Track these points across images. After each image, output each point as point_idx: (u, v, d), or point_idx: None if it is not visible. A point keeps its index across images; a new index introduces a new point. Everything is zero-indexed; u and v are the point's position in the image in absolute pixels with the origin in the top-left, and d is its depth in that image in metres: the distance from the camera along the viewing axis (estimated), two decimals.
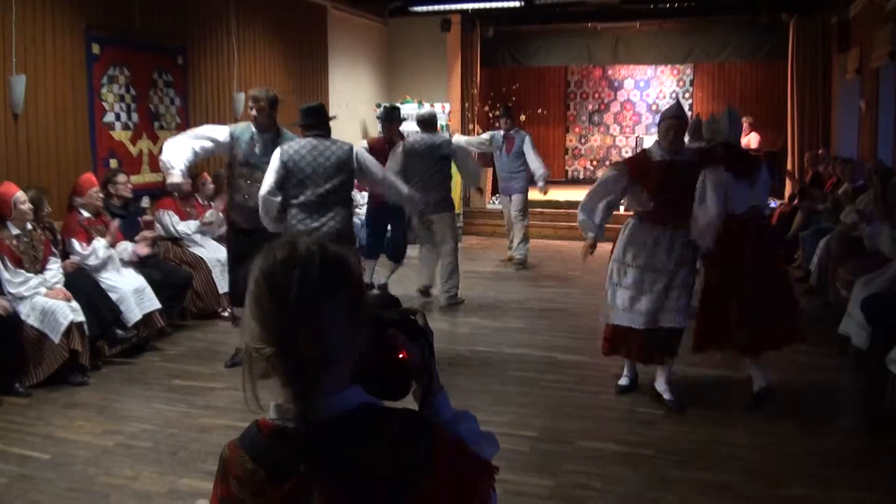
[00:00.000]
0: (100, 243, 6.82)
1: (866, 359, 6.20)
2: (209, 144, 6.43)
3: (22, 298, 6.07)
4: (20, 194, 6.21)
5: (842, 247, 8.36)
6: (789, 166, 13.74)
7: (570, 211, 14.04)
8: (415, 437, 1.42)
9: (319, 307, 1.38)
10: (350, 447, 1.37)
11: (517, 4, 12.81)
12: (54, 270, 6.39)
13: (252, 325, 1.40)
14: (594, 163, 18.87)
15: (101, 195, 7.08)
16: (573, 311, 8.42)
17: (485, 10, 13.76)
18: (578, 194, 15.07)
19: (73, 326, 6.09)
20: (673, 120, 5.57)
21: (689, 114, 16.92)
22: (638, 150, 6.37)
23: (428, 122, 8.76)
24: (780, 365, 6.31)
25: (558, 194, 15.53)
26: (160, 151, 7.89)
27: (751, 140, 14.55)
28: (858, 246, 7.72)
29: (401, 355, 1.56)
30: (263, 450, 1.41)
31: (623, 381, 5.94)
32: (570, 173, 19.09)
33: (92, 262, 6.75)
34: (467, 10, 13.88)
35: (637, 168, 5.63)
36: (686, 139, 8.53)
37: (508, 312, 8.49)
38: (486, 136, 11.24)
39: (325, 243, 1.47)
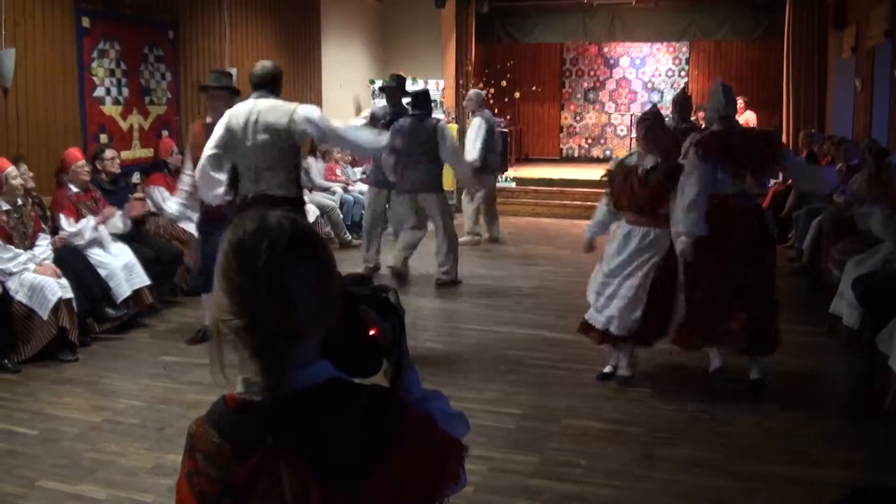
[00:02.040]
0: (88, 223, 6.79)
1: (857, 338, 6.22)
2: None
3: (11, 274, 6.05)
4: (11, 169, 6.18)
5: (834, 227, 8.36)
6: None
7: (565, 189, 14.05)
8: (382, 413, 1.42)
9: (288, 279, 1.37)
10: (317, 421, 1.37)
11: None
12: (44, 247, 6.37)
13: (220, 297, 1.40)
14: (589, 141, 18.83)
15: (87, 169, 7.01)
16: (561, 290, 8.41)
17: None
18: (572, 172, 15.17)
19: (62, 303, 6.07)
20: (641, 122, 5.61)
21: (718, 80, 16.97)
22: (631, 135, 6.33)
23: (421, 101, 8.56)
24: None
25: (552, 172, 15.55)
26: (151, 127, 7.92)
27: (747, 119, 14.51)
28: (850, 226, 7.73)
29: (371, 332, 1.55)
30: (229, 424, 1.40)
31: (607, 369, 5.80)
32: (564, 151, 19.05)
33: (77, 241, 6.72)
34: None
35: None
36: (671, 117, 8.54)
37: (497, 291, 8.49)
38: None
39: (295, 217, 1.47)
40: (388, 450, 1.39)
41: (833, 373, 6.15)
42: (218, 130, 5.58)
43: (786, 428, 4.92)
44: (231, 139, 5.50)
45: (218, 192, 5.70)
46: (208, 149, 5.59)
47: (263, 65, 5.70)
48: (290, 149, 5.52)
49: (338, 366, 1.48)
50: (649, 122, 5.52)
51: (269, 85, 5.59)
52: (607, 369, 5.79)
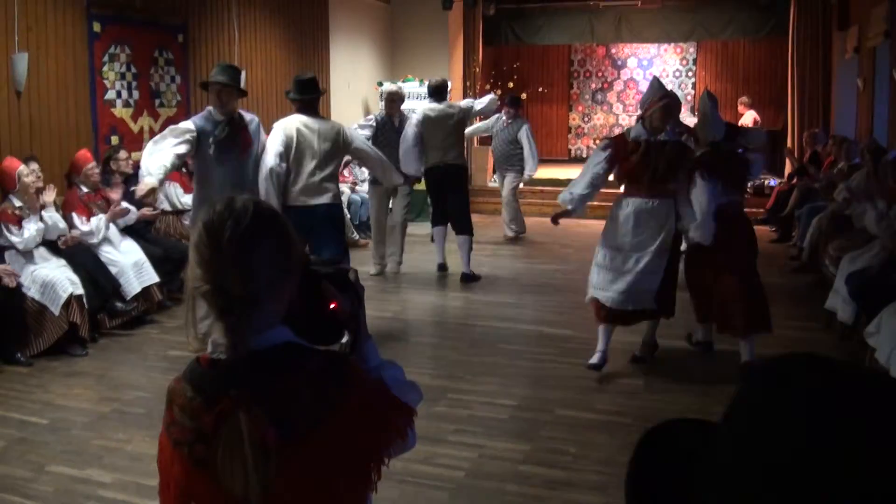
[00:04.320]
0: (101, 221, 6.98)
1: (851, 333, 6.34)
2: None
3: (29, 254, 6.33)
4: (23, 168, 6.41)
5: (832, 224, 8.49)
6: (789, 145, 13.80)
7: None
8: (332, 373, 1.62)
9: (249, 251, 1.58)
10: (273, 376, 1.58)
11: None
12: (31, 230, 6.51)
13: (193, 267, 1.61)
14: (597, 141, 18.87)
15: (97, 170, 7.22)
16: (561, 287, 8.56)
17: None
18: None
19: (73, 299, 6.29)
20: (668, 99, 5.78)
21: (690, 93, 17.07)
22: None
23: (441, 90, 9.16)
24: (767, 339, 6.46)
25: (560, 173, 15.60)
26: (161, 128, 8.07)
27: (746, 119, 14.60)
28: (849, 224, 7.85)
29: (332, 306, 1.77)
30: (200, 379, 1.62)
31: (594, 360, 5.83)
32: (573, 152, 19.14)
33: (90, 239, 6.91)
34: None
35: (620, 147, 5.80)
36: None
37: (500, 287, 8.65)
38: (490, 122, 11.62)
39: (258, 200, 1.70)
40: (335, 406, 1.58)
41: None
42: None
43: None
44: None
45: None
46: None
47: None
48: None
49: (302, 334, 1.70)
50: (671, 98, 5.86)
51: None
52: (595, 359, 5.81)
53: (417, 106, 12.53)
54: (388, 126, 8.97)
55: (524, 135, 11.20)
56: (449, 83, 10.25)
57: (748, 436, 0.78)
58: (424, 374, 5.87)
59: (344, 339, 1.84)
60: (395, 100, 9.19)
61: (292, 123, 6.48)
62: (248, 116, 6.39)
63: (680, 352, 6.28)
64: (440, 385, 5.63)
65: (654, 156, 5.66)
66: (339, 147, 6.60)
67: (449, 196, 8.98)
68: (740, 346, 5.82)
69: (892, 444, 0.70)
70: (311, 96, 6.60)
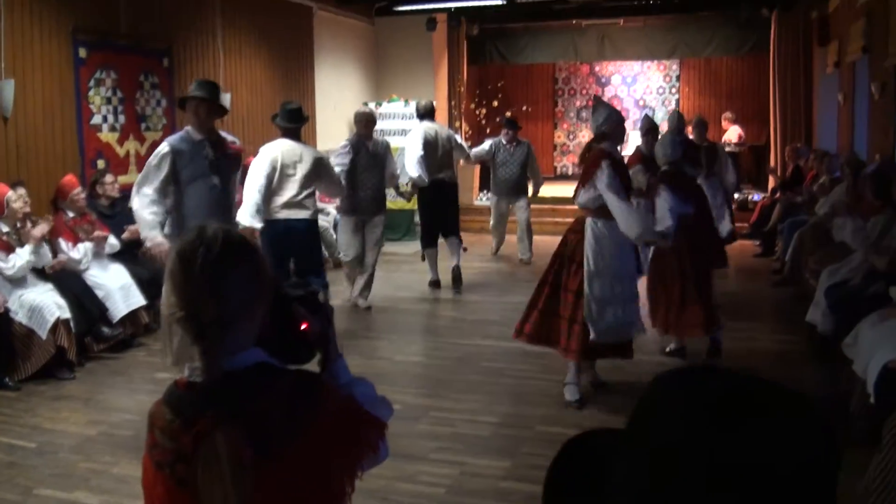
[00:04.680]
0: (88, 248, 7.04)
1: (831, 346, 6.42)
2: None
3: (16, 281, 6.37)
4: (11, 193, 6.47)
5: (813, 238, 8.60)
6: (773, 160, 13.94)
7: (557, 207, 14.23)
8: (304, 391, 1.71)
9: (221, 278, 1.66)
10: (247, 397, 1.65)
11: (500, 2, 12.97)
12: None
13: (168, 293, 1.69)
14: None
15: (83, 195, 7.27)
16: None
17: (469, 8, 13.93)
18: (566, 190, 15.20)
19: (60, 323, 6.34)
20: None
21: (674, 108, 17.21)
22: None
23: (431, 112, 9.73)
24: (748, 352, 6.59)
25: (545, 190, 15.67)
26: (147, 152, 8.15)
27: (730, 135, 14.75)
28: (829, 237, 7.95)
29: (302, 326, 1.87)
30: (178, 401, 1.70)
31: (576, 396, 5.73)
32: (558, 169, 19.24)
33: (80, 266, 6.97)
34: (451, 9, 14.04)
35: None
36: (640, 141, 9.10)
37: (485, 305, 8.74)
38: (486, 148, 11.26)
39: (228, 228, 1.78)
40: (308, 422, 1.66)
41: (805, 379, 6.32)
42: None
43: None
44: None
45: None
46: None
47: None
48: None
49: (275, 355, 1.78)
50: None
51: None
52: (576, 396, 5.72)
53: (404, 125, 12.71)
54: (364, 150, 8.47)
55: (528, 152, 11.16)
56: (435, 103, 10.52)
57: (639, 439, 0.87)
58: (408, 392, 5.94)
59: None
60: (370, 122, 8.66)
61: (276, 150, 7.18)
62: (229, 137, 6.20)
63: (657, 365, 6.34)
64: (423, 403, 5.70)
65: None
66: (317, 173, 7.29)
67: (447, 209, 9.70)
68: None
69: (759, 448, 0.79)
70: (296, 125, 7.37)
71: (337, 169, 7.87)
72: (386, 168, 8.60)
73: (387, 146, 8.77)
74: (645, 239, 5.62)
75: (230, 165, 5.82)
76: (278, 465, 1.62)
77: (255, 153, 10.01)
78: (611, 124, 5.60)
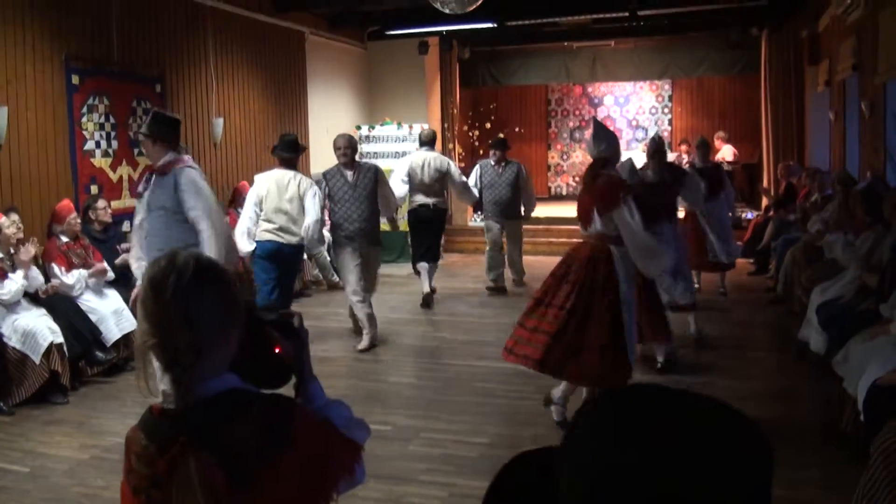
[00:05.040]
0: (81, 276, 7.06)
1: (823, 363, 6.43)
2: None
3: (9, 306, 6.39)
4: (4, 220, 6.50)
5: (805, 256, 8.63)
6: (765, 178, 14.00)
7: (551, 227, 14.28)
8: (277, 416, 1.72)
9: (192, 304, 1.68)
10: (219, 422, 1.66)
11: (491, 25, 13.06)
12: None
13: (141, 321, 1.71)
14: (576, 179, 19.13)
15: (78, 220, 7.33)
16: None
17: (460, 31, 14.00)
18: (560, 210, 15.44)
19: (54, 348, 6.34)
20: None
21: (667, 129, 17.32)
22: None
23: (429, 140, 10.07)
24: (740, 369, 6.60)
25: (539, 210, 15.70)
26: (140, 176, 8.19)
27: (724, 154, 14.83)
28: (821, 255, 7.99)
29: (276, 350, 1.88)
30: (153, 427, 1.71)
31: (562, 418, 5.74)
32: (552, 190, 19.36)
33: (73, 293, 6.98)
34: (443, 32, 14.13)
35: None
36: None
37: (478, 327, 8.75)
38: (473, 174, 10.92)
39: (200, 254, 1.80)
40: (281, 447, 1.68)
41: (796, 397, 6.35)
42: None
43: None
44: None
45: None
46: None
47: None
48: None
49: (250, 380, 1.80)
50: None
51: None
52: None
53: (397, 148, 12.79)
54: (340, 181, 8.03)
55: (520, 173, 10.67)
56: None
57: (574, 460, 0.89)
58: (399, 413, 5.95)
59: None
60: (346, 149, 8.02)
61: (269, 179, 7.74)
62: (177, 168, 5.71)
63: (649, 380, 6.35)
64: (414, 425, 5.71)
65: None
66: (302, 204, 7.65)
67: (429, 235, 9.97)
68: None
69: (692, 466, 0.81)
70: (293, 155, 7.81)
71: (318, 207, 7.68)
72: (379, 196, 8.12)
73: (374, 171, 8.16)
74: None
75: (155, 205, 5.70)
76: (252, 491, 1.63)
77: (247, 178, 10.13)
78: (612, 149, 5.60)
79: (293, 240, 7.61)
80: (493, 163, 10.71)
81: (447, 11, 8.33)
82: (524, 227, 11.39)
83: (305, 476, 1.71)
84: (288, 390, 1.93)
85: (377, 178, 8.13)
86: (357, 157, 8.36)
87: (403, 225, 11.00)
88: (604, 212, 5.41)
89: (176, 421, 1.67)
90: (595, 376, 5.30)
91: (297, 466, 1.69)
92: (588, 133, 18.81)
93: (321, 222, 7.77)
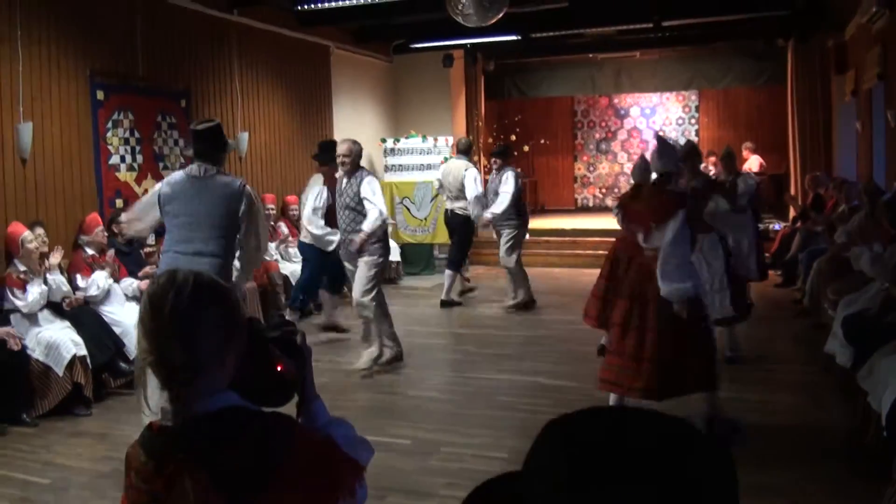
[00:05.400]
0: (99, 275, 7.14)
1: (849, 377, 6.34)
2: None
3: (33, 316, 6.48)
4: (27, 234, 6.60)
5: (832, 267, 8.52)
6: (793, 188, 13.89)
7: (577, 239, 14.24)
8: (276, 435, 1.70)
9: (191, 322, 1.68)
10: (217, 441, 1.65)
11: (516, 38, 13.07)
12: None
13: (140, 338, 1.71)
14: (603, 190, 19.10)
15: (105, 233, 7.43)
16: (563, 338, 8.60)
17: (485, 44, 14.05)
18: (586, 222, 15.41)
19: (77, 360, 6.40)
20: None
21: (694, 140, 17.22)
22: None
23: (463, 149, 10.77)
24: (765, 383, 6.52)
25: (566, 223, 15.75)
26: None
27: (751, 164, 14.73)
28: (848, 266, 7.88)
29: (278, 368, 1.87)
30: (151, 444, 1.70)
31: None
32: (579, 201, 19.33)
33: (93, 292, 7.06)
34: (467, 45, 14.17)
35: None
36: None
37: (501, 339, 8.72)
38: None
39: (200, 272, 1.79)
40: (280, 467, 1.66)
41: (821, 410, 6.26)
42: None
43: (765, 462, 5.04)
44: None
45: None
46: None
47: None
48: None
49: (251, 397, 1.78)
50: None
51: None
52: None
53: (423, 161, 12.86)
54: (339, 189, 7.63)
55: (506, 178, 10.23)
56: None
57: (533, 485, 0.88)
58: (419, 427, 5.95)
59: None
60: (350, 155, 7.43)
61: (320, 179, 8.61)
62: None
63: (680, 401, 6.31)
64: (434, 439, 5.70)
65: None
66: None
67: (454, 240, 10.80)
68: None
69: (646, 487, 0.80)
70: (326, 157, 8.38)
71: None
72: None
73: (358, 183, 7.37)
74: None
75: None
76: None
77: (273, 191, 10.23)
78: (674, 163, 5.66)
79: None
80: (495, 172, 10.53)
81: (468, 25, 8.34)
82: (547, 238, 11.43)
83: (305, 496, 1.69)
84: (291, 408, 1.92)
85: (360, 187, 7.36)
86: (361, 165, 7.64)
87: (426, 238, 11.13)
88: (659, 223, 5.39)
89: (173, 438, 1.66)
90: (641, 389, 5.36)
91: (297, 486, 1.67)
92: (615, 144, 18.87)
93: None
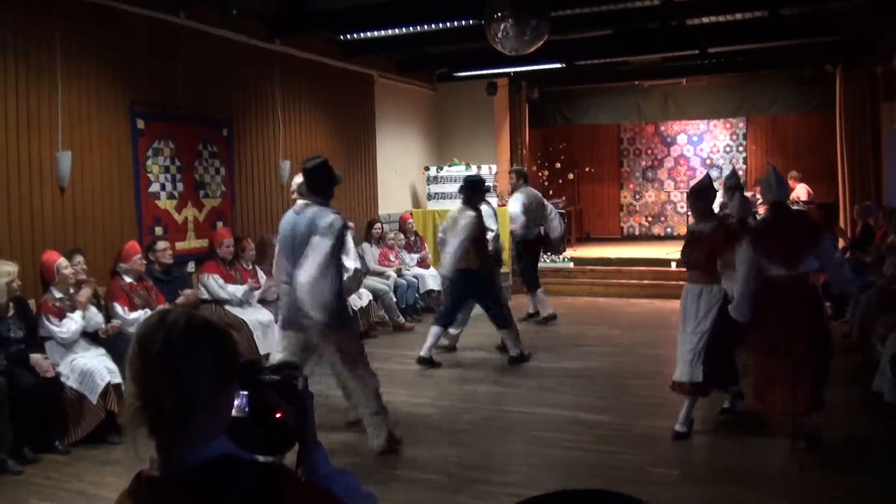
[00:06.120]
0: (139, 315, 7.14)
1: None
2: None
3: (71, 345, 6.53)
4: (62, 261, 6.66)
5: (881, 300, 8.28)
6: (842, 218, 13.60)
7: (622, 268, 14.07)
8: (268, 488, 1.60)
9: (180, 364, 1.58)
10: (206, 493, 1.56)
11: (560, 66, 12.99)
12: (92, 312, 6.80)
13: (128, 383, 1.62)
14: (649, 219, 18.87)
15: (143, 262, 7.45)
16: (606, 371, 8.45)
17: (528, 72, 13.99)
18: (632, 251, 15.25)
19: (111, 387, 6.40)
20: (690, 196, 6.58)
21: (742, 167, 16.95)
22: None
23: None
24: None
25: (611, 251, 15.58)
26: (206, 219, 8.33)
27: (798, 193, 14.44)
28: None
29: (277, 415, 1.76)
30: (139, 495, 1.62)
31: (679, 428, 6.24)
32: (625, 230, 19.11)
33: (131, 328, 7.07)
34: (511, 73, 14.13)
35: None
36: (721, 198, 8.83)
37: (541, 372, 8.55)
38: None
39: (193, 312, 1.69)
40: None
41: (867, 451, 6.03)
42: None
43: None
44: None
45: None
46: None
47: None
48: None
49: (248, 445, 1.69)
50: (692, 195, 6.53)
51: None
52: (679, 428, 6.24)
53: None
54: None
55: (514, 201, 11.04)
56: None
57: None
58: (450, 461, 5.83)
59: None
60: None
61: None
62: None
63: (715, 439, 6.16)
64: (466, 475, 5.58)
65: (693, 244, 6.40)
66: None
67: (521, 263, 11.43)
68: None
69: None
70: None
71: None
72: None
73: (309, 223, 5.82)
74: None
75: None
76: None
77: None
78: (785, 193, 6.12)
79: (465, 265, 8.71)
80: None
81: (508, 53, 8.29)
82: (592, 267, 11.35)
83: None
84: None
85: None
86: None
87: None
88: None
89: (161, 490, 1.58)
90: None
91: None
92: (661, 172, 18.65)
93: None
